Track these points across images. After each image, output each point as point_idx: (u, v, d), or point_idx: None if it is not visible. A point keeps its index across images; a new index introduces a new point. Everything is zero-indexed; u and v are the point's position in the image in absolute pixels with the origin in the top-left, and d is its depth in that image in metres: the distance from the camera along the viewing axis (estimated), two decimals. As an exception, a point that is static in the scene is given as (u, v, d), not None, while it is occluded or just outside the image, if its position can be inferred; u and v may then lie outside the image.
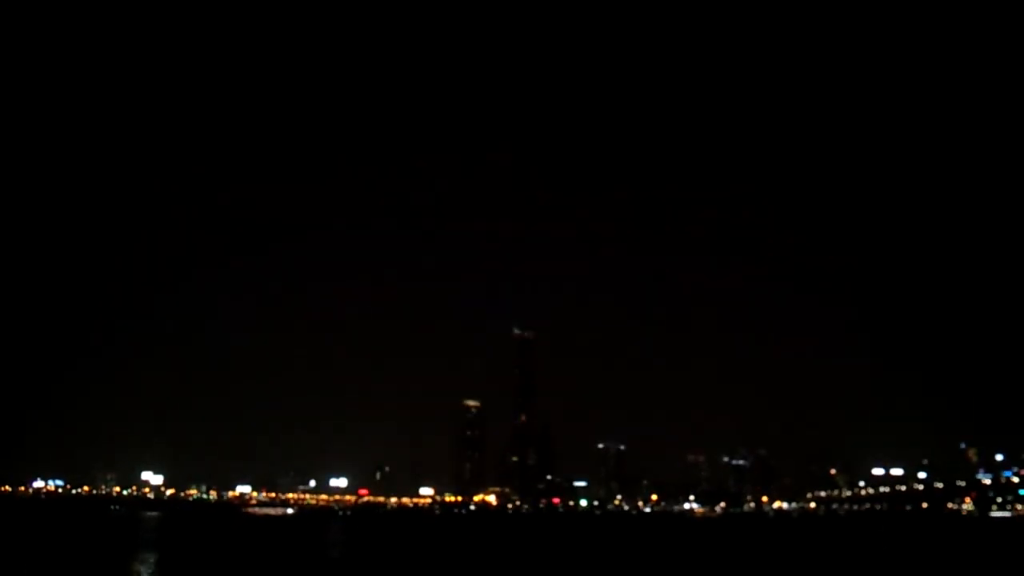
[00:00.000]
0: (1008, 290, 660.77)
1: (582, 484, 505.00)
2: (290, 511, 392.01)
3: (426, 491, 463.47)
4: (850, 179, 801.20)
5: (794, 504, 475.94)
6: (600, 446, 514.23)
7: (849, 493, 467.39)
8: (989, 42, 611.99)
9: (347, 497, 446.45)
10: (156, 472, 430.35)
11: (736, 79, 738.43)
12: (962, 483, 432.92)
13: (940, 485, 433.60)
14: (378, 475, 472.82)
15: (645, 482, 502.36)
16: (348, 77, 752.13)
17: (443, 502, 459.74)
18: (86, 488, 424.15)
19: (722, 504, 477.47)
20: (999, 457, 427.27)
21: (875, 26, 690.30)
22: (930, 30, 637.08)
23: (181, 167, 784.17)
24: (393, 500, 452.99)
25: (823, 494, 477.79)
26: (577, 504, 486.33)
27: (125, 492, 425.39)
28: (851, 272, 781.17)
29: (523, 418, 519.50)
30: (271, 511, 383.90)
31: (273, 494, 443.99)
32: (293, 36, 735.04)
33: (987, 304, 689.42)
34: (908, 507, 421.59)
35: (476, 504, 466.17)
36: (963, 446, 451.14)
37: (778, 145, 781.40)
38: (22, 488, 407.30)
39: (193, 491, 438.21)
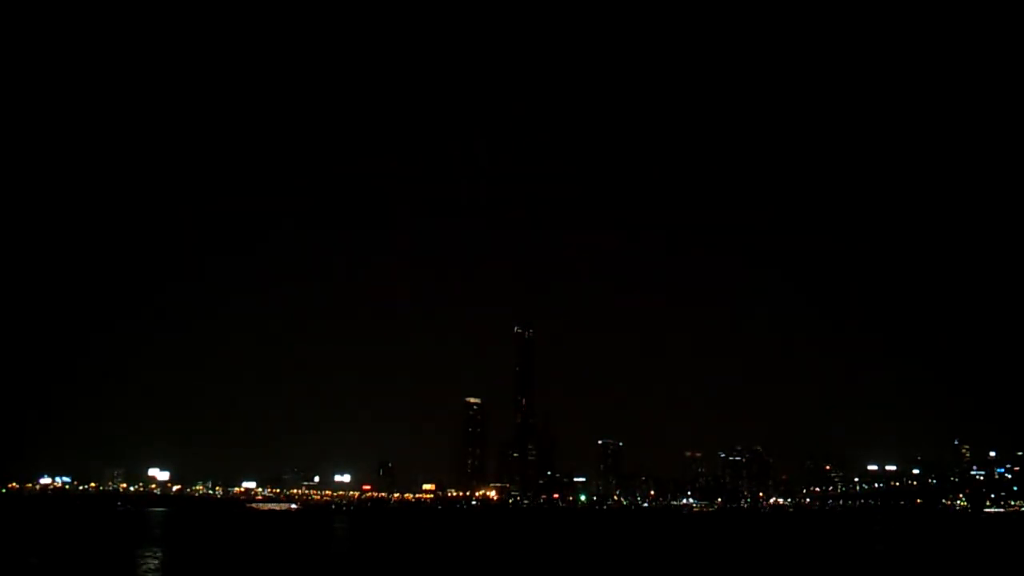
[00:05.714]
0: (1001, 290, 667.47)
1: (581, 480, 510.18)
2: (294, 507, 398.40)
3: (428, 486, 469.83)
4: (847, 179, 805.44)
5: (790, 500, 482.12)
6: (599, 442, 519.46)
7: (844, 489, 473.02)
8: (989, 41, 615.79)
9: (351, 493, 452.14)
10: (163, 469, 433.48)
11: (733, 77, 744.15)
12: (956, 479, 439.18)
13: (934, 481, 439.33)
14: (381, 471, 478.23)
15: (643, 478, 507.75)
16: (350, 75, 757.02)
17: (445, 497, 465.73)
18: (93, 485, 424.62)
19: (719, 500, 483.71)
20: (992, 454, 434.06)
21: (874, 24, 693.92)
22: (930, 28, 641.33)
23: (180, 168, 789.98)
24: (396, 495, 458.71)
25: (818, 490, 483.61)
26: (577, 499, 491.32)
27: (132, 488, 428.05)
28: (849, 272, 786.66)
29: (523, 414, 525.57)
30: (275, 507, 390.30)
31: (278, 490, 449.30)
32: (287, 38, 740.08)
33: (981, 304, 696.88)
34: (902, 503, 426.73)
35: (477, 499, 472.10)
36: (957, 443, 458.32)
37: (775, 141, 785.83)
38: (29, 485, 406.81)
39: (199, 487, 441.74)
